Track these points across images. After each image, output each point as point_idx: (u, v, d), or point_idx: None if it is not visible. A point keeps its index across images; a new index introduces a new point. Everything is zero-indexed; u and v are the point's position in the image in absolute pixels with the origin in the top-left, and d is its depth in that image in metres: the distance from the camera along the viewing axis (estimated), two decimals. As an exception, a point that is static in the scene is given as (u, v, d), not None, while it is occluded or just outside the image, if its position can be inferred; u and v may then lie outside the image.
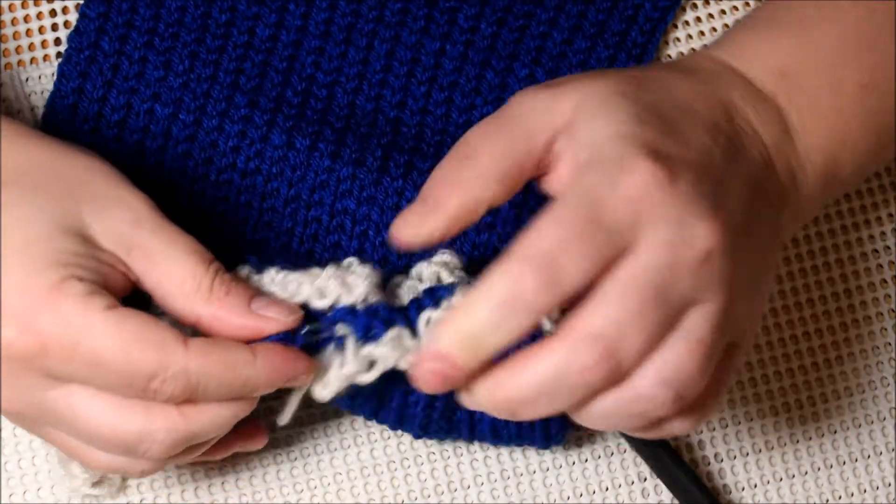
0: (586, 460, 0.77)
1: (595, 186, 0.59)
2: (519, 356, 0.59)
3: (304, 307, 0.66)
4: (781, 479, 0.78)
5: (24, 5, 0.79)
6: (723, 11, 0.82)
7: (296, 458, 0.76)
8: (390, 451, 0.76)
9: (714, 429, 0.78)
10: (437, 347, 0.59)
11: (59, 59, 0.78)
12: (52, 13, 0.79)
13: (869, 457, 0.78)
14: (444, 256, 0.69)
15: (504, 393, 0.60)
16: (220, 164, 0.76)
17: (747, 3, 0.82)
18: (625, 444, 0.77)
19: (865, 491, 0.78)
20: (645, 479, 0.77)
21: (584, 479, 0.77)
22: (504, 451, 0.76)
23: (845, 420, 0.79)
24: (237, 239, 0.75)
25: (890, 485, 0.78)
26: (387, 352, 0.64)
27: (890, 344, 0.80)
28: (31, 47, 0.79)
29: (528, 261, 0.57)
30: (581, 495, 0.76)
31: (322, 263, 0.67)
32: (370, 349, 0.64)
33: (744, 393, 0.79)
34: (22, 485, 0.74)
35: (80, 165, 0.64)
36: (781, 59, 0.68)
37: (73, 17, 0.79)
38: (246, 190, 0.75)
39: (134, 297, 0.64)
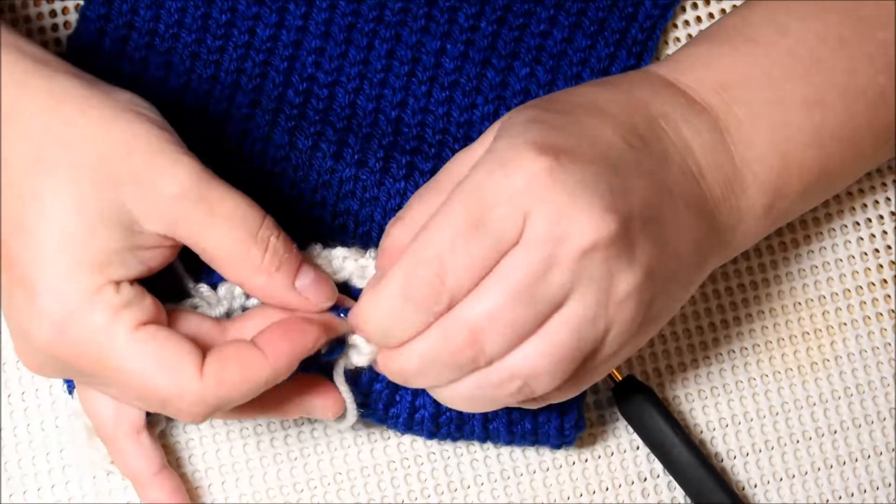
0: (586, 460, 0.77)
1: (481, 183, 0.61)
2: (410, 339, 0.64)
3: (345, 284, 0.68)
4: (781, 479, 0.78)
5: (23, 5, 0.80)
6: (723, 11, 0.83)
7: (296, 458, 0.76)
8: (390, 451, 0.76)
9: (714, 429, 0.79)
10: (362, 327, 0.64)
11: (59, 59, 0.79)
12: (52, 13, 0.80)
13: (869, 457, 0.79)
14: None
15: (396, 364, 0.64)
16: (222, 164, 0.76)
17: (747, 4, 0.83)
18: (624, 444, 0.78)
19: (865, 491, 0.78)
20: (645, 479, 0.77)
21: (584, 479, 0.77)
22: (504, 450, 0.77)
23: (845, 420, 0.79)
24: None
25: (890, 485, 0.79)
26: None
27: (890, 344, 0.80)
28: (30, 47, 0.79)
29: (420, 263, 0.61)
30: (581, 495, 0.77)
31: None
32: None
33: (743, 393, 0.79)
34: (22, 485, 0.75)
35: (118, 137, 0.62)
36: (722, 73, 0.69)
37: (73, 17, 0.80)
38: (248, 190, 0.76)
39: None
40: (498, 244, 0.60)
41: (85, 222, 0.61)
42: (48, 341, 0.61)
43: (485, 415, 0.72)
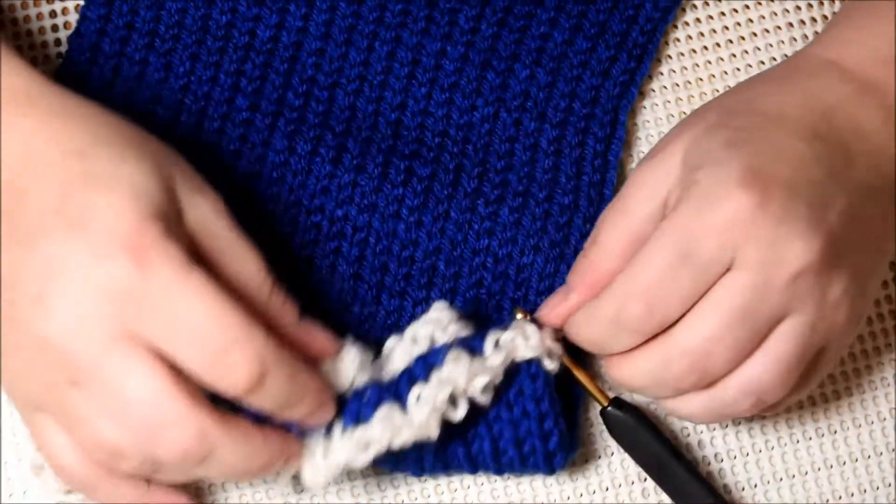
0: (587, 460, 0.78)
1: (688, 219, 0.66)
2: (632, 353, 0.70)
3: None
4: (781, 479, 0.79)
5: (23, 6, 0.80)
6: (722, 13, 0.83)
7: (296, 458, 0.76)
8: (390, 450, 0.77)
9: (714, 429, 0.79)
10: (576, 339, 0.72)
11: (59, 60, 0.79)
12: (52, 14, 0.80)
13: (869, 457, 0.79)
14: (437, 313, 0.73)
15: (619, 376, 0.71)
16: (221, 168, 0.76)
17: (747, 6, 0.83)
18: (625, 444, 0.78)
19: (865, 491, 0.79)
20: (645, 479, 0.78)
21: (585, 479, 0.78)
22: (504, 451, 0.77)
23: (845, 420, 0.80)
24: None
25: (890, 485, 0.79)
26: (377, 433, 0.67)
27: (890, 344, 0.80)
28: (31, 48, 0.80)
29: (630, 296, 0.67)
30: (581, 495, 0.77)
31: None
32: (360, 432, 0.68)
33: (743, 394, 0.79)
34: (22, 485, 0.75)
35: (167, 148, 0.66)
36: (884, 48, 0.71)
37: (73, 17, 0.80)
38: (247, 194, 0.76)
39: None
40: (707, 275, 0.66)
41: (152, 185, 0.62)
42: (123, 270, 0.60)
43: (468, 452, 0.73)
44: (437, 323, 0.72)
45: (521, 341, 0.71)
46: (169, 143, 0.75)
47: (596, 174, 0.79)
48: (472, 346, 0.71)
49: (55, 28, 0.80)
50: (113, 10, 0.77)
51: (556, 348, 0.72)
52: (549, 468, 0.73)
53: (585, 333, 0.70)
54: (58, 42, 0.80)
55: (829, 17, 0.83)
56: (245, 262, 0.66)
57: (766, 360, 0.67)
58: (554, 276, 0.77)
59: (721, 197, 0.65)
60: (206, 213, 0.65)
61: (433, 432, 0.69)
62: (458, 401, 0.69)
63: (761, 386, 0.67)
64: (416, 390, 0.68)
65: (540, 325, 0.73)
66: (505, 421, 0.72)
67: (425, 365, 0.69)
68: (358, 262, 0.76)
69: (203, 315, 0.61)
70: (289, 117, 0.77)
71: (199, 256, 0.64)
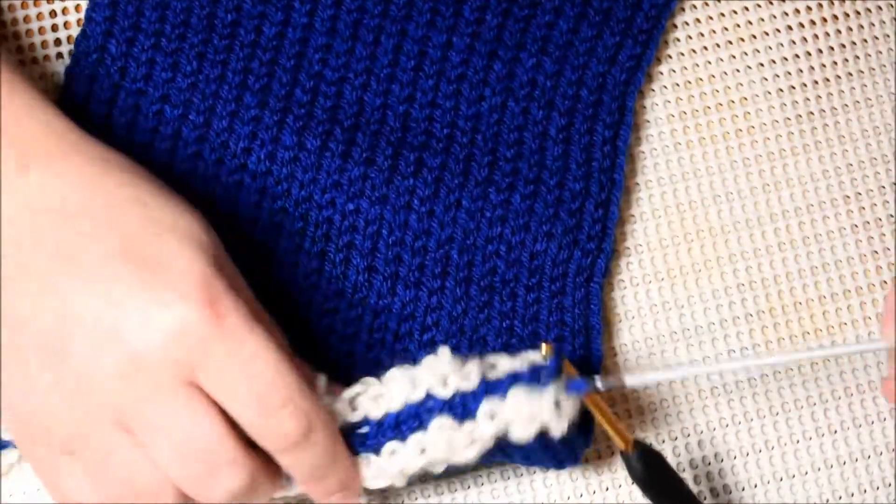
0: (587, 460, 0.79)
1: None
2: None
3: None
4: (781, 479, 0.79)
5: (23, 6, 0.81)
6: (722, 14, 0.84)
7: (299, 458, 0.77)
8: (393, 450, 0.77)
9: (714, 428, 0.80)
10: None
11: (60, 60, 0.80)
12: (52, 14, 0.81)
13: (869, 457, 0.80)
14: (438, 363, 0.68)
15: None
16: (231, 165, 0.78)
17: (746, 8, 0.84)
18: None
19: (865, 491, 0.79)
20: (645, 480, 0.78)
21: (584, 479, 0.79)
22: (505, 451, 0.78)
23: (845, 420, 0.80)
24: (248, 240, 0.77)
25: (890, 485, 0.80)
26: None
27: (890, 343, 0.81)
28: (31, 48, 0.81)
29: None
30: (581, 495, 0.78)
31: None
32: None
33: (743, 392, 0.80)
34: (22, 484, 0.76)
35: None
36: None
37: (73, 17, 0.81)
38: (257, 192, 0.78)
39: None
40: None
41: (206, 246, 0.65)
42: (196, 307, 0.62)
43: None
44: (438, 375, 0.67)
45: (515, 417, 0.67)
46: (175, 141, 0.76)
47: (606, 160, 0.80)
48: (466, 407, 0.67)
49: (55, 28, 0.81)
50: (118, 11, 0.78)
51: (559, 419, 0.67)
52: (559, 465, 0.73)
53: None
54: (58, 42, 0.81)
55: (830, 19, 0.84)
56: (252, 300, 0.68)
57: None
58: (567, 262, 0.78)
59: None
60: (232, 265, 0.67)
61: (399, 483, 0.69)
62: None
63: None
64: (392, 446, 0.68)
65: (559, 370, 0.68)
66: (516, 449, 0.71)
67: (415, 416, 0.67)
68: (371, 254, 0.77)
69: (266, 369, 0.63)
70: (297, 114, 0.78)
71: None
